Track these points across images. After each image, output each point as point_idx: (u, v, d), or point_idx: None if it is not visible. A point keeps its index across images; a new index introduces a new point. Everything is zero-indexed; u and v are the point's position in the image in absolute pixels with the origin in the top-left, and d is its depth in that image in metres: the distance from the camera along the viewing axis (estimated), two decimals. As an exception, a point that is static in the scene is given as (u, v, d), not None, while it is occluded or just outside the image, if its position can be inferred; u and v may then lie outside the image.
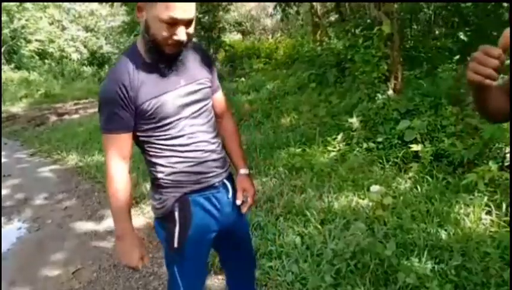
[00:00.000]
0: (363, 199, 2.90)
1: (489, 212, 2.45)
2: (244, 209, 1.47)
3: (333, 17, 10.07)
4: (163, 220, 1.33)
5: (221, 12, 9.92)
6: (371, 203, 2.77)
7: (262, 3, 13.87)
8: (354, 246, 2.24)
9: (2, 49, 13.08)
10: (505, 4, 7.20)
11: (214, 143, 1.34)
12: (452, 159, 3.14)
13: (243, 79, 8.07)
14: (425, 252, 2.12)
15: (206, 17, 9.17)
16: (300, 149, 4.00)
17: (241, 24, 12.52)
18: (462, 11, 5.90)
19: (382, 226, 2.46)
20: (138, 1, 1.17)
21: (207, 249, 1.46)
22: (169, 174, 1.29)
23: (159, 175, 1.30)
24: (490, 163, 2.79)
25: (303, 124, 4.71)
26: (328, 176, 3.34)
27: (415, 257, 2.11)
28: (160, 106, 1.21)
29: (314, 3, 8.74)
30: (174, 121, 1.24)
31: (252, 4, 13.41)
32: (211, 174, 1.34)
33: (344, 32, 6.62)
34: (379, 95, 4.06)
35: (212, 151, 1.33)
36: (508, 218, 2.33)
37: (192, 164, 1.29)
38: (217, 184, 1.37)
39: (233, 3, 10.29)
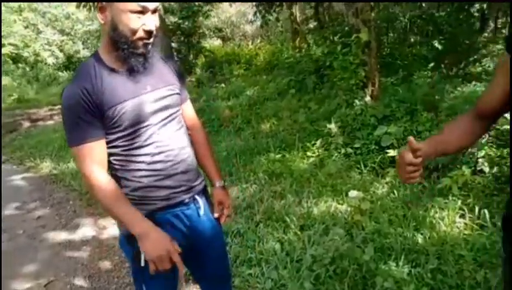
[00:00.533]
0: (342, 204, 2.92)
1: (462, 216, 2.51)
2: (222, 220, 1.45)
3: (312, 24, 10.22)
4: (129, 237, 1.25)
5: (201, 18, 9.89)
6: (349, 208, 2.80)
7: (242, 10, 13.94)
8: (333, 251, 2.26)
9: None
10: (476, 14, 7.48)
11: (184, 153, 1.29)
12: (427, 164, 3.20)
13: (223, 85, 8.05)
14: (403, 256, 2.15)
15: (186, 23, 9.13)
16: (280, 155, 4.01)
17: (221, 30, 12.52)
18: (436, 20, 6.09)
19: (360, 231, 2.48)
20: (114, 1, 1.12)
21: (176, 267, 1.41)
22: (135, 190, 1.23)
23: (125, 191, 1.23)
24: (463, 168, 2.87)
25: (283, 130, 4.73)
26: (308, 182, 3.36)
27: (393, 261, 2.14)
28: (126, 112, 1.16)
29: (293, 10, 8.84)
30: (141, 128, 1.19)
31: (232, 10, 13.46)
32: (180, 189, 1.28)
33: (323, 40, 6.71)
34: (357, 101, 4.12)
35: (182, 161, 1.27)
36: (480, 221, 2.40)
37: (160, 177, 1.23)
38: (187, 200, 1.31)
39: (214, 9, 10.29)
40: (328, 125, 4.03)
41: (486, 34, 6.87)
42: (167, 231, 1.26)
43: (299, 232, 2.57)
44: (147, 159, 1.21)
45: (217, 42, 13.24)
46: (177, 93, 1.31)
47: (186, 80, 1.47)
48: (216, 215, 1.43)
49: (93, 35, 15.96)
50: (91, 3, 7.50)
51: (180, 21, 9.03)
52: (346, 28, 5.60)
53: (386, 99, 4.14)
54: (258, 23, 10.77)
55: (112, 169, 1.24)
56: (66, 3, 14.17)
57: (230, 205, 1.49)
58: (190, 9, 8.88)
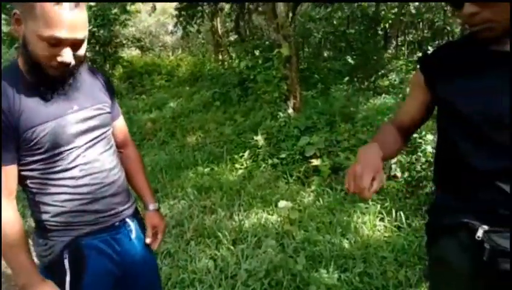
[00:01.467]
0: (272, 215, 2.97)
1: (382, 219, 2.72)
2: (155, 246, 1.37)
3: (233, 37, 10.39)
4: (51, 269, 1.13)
5: (117, 27, 9.45)
6: (279, 219, 2.85)
7: (161, 20, 13.67)
8: (267, 263, 2.27)
9: None
10: (380, 32, 8.31)
11: (114, 174, 1.20)
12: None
13: (143, 96, 7.75)
14: (332, 263, 2.25)
15: (102, 31, 8.62)
16: (208, 168, 3.96)
17: (140, 40, 12.08)
18: (347, 37, 6.61)
19: (291, 241, 2.54)
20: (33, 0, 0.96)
21: None
22: (56, 215, 1.11)
23: (44, 216, 1.11)
24: (379, 174, 3.12)
25: (210, 143, 4.69)
26: (238, 194, 3.35)
27: (323, 268, 2.22)
28: (48, 134, 1.04)
29: (215, 23, 8.92)
30: (65, 151, 1.08)
31: (151, 20, 13.11)
32: (109, 213, 1.18)
33: (244, 53, 6.86)
34: (280, 114, 4.27)
35: (112, 183, 1.18)
36: (398, 223, 2.61)
37: (86, 201, 1.13)
38: (117, 224, 1.22)
39: (132, 18, 9.92)
40: (255, 137, 4.10)
41: (390, 51, 7.65)
42: (94, 258, 1.17)
43: (232, 247, 2.54)
44: (71, 182, 1.11)
45: (136, 52, 12.75)
46: (108, 112, 1.21)
47: (115, 93, 1.35)
48: (148, 240, 1.34)
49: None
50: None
51: (95, 29, 8.50)
52: (267, 43, 5.80)
53: (308, 112, 4.34)
54: (179, 34, 10.64)
55: (28, 193, 1.12)
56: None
57: (165, 229, 1.41)
58: (106, 17, 8.42)
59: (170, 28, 12.34)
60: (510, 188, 0.89)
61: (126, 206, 1.25)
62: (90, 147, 1.13)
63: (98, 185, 1.14)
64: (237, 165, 3.94)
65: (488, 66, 0.90)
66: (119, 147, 1.33)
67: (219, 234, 2.67)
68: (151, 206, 1.39)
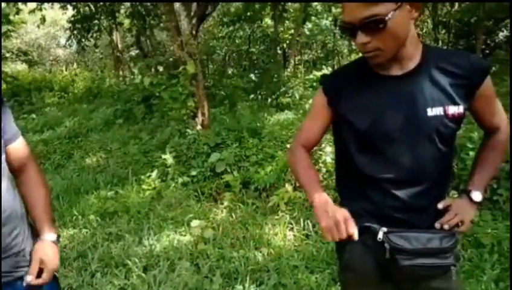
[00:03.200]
0: (185, 236, 2.89)
1: (292, 229, 2.84)
2: (39, 281, 1.10)
3: (134, 52, 10.02)
4: None
5: (-2, 38, 8.40)
6: (192, 239, 2.79)
7: (52, 32, 12.56)
8: (182, 287, 2.20)
9: None
10: (280, 51, 8.83)
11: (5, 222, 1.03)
12: (257, 185, 3.51)
13: (33, 116, 6.97)
14: (248, 278, 2.27)
15: (-23, 42, 7.57)
16: (112, 192, 3.70)
17: (27, 53, 10.90)
18: (250, 55, 6.88)
19: (206, 260, 2.50)
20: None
21: None
22: None
23: None
24: (286, 185, 3.27)
25: (113, 164, 4.40)
26: (146, 217, 3.19)
27: (239, 285, 2.23)
28: None
29: (114, 37, 8.50)
30: None
31: (40, 32, 11.94)
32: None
33: (147, 69, 6.66)
34: (189, 131, 4.22)
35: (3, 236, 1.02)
36: (306, 231, 2.76)
37: None
38: (9, 278, 1.06)
39: (16, 29, 8.91)
40: (163, 156, 3.97)
41: (289, 70, 8.16)
42: None
43: (143, 275, 2.39)
44: None
45: (22, 66, 11.45)
46: None
47: (8, 111, 1.16)
48: (29, 278, 1.07)
49: None
50: None
51: (-31, 40, 7.44)
52: (171, 59, 5.72)
53: (216, 128, 4.37)
54: (74, 47, 9.88)
55: None
56: None
57: (53, 269, 1.12)
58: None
59: (62, 41, 11.40)
60: (402, 194, 1.02)
61: (23, 264, 1.08)
62: None
63: None
64: (144, 186, 3.76)
65: (377, 88, 1.02)
66: (17, 171, 1.15)
67: (128, 261, 2.50)
68: (44, 236, 1.13)
